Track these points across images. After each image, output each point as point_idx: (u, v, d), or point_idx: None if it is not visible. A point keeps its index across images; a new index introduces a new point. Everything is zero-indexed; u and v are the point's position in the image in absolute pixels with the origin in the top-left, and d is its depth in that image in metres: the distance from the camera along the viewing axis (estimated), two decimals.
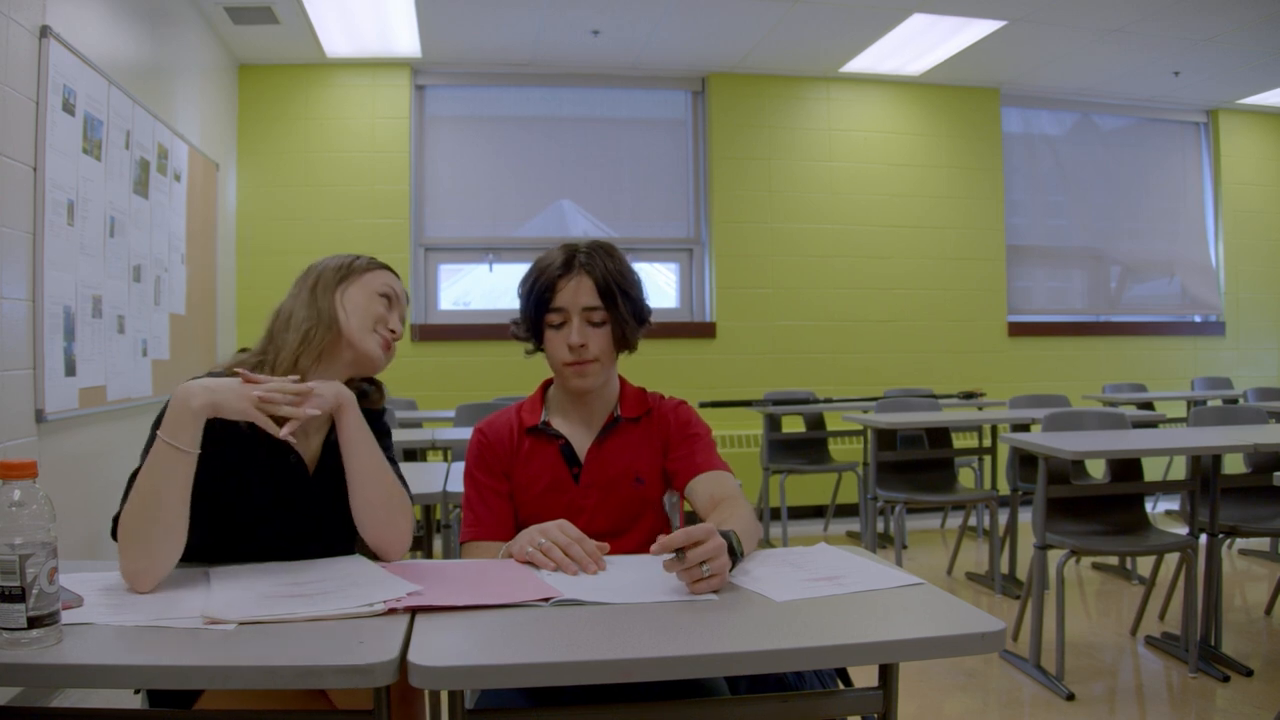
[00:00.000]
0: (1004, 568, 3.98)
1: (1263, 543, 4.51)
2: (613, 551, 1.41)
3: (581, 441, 1.62)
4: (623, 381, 1.69)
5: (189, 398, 1.25)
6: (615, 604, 1.19)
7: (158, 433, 1.26)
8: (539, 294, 1.57)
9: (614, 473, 1.60)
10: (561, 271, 1.56)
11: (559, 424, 1.64)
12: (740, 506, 1.47)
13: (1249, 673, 2.86)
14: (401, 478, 1.51)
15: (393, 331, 1.52)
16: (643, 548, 1.44)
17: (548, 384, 1.70)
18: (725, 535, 1.26)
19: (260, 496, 1.43)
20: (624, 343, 1.61)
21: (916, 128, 6.03)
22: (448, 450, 3.91)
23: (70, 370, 2.88)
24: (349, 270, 1.51)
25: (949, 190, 6.05)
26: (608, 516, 1.58)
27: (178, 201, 4.00)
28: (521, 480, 1.61)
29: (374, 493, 1.42)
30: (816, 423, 5.25)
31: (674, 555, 1.21)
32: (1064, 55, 5.49)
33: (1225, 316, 6.55)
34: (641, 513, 1.61)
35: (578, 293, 1.55)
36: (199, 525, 1.31)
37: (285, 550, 1.40)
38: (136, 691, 1.39)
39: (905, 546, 4.72)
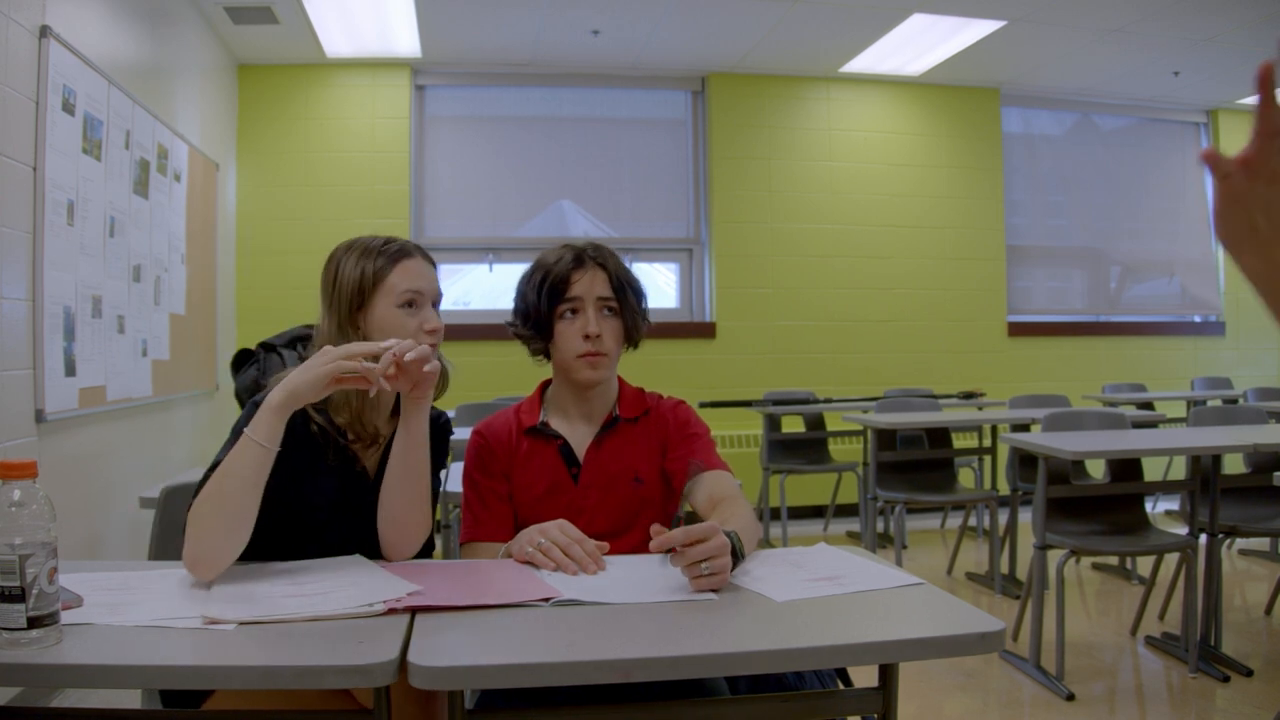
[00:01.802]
0: (1004, 568, 3.98)
1: (1263, 543, 4.50)
2: (612, 551, 1.41)
3: (580, 441, 1.63)
4: (621, 382, 1.69)
5: (270, 396, 1.27)
6: (615, 604, 1.19)
7: (244, 428, 1.28)
8: (551, 287, 1.58)
9: (613, 473, 1.61)
10: (575, 265, 1.59)
11: (558, 424, 1.64)
12: (740, 506, 1.47)
13: (1249, 673, 2.86)
14: (434, 487, 1.52)
15: (433, 331, 1.46)
16: (642, 548, 1.44)
17: (546, 384, 1.70)
18: (728, 535, 1.26)
19: (327, 500, 1.45)
20: (632, 335, 1.63)
21: (916, 128, 6.03)
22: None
23: (70, 370, 2.88)
24: (360, 289, 1.44)
25: (949, 190, 6.04)
26: (607, 516, 1.58)
27: (178, 201, 4.00)
28: (521, 481, 1.61)
29: (406, 500, 1.42)
30: (816, 423, 5.25)
31: (676, 552, 1.21)
32: (1064, 55, 5.49)
33: (1225, 316, 6.55)
34: (641, 512, 1.61)
35: (593, 283, 1.58)
36: (269, 525, 1.32)
37: (347, 552, 1.42)
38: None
39: (905, 546, 4.71)
